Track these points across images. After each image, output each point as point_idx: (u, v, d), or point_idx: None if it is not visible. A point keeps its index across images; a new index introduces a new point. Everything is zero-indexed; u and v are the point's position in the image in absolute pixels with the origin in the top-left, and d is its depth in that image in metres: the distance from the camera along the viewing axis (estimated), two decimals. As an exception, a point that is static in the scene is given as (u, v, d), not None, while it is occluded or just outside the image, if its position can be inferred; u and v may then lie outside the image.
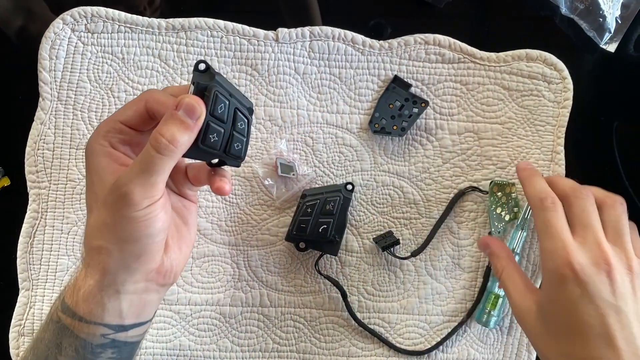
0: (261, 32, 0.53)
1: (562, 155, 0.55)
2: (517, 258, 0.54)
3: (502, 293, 0.54)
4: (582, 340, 0.38)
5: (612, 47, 0.57)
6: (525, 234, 0.54)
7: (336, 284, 0.53)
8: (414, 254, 0.53)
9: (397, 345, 0.55)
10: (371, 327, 0.55)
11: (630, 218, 0.42)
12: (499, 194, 0.54)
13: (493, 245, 0.50)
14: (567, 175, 0.55)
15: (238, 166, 0.38)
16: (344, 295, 0.53)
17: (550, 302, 0.41)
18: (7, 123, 0.53)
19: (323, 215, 0.51)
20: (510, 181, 0.54)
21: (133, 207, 0.32)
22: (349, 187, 0.53)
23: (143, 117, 0.36)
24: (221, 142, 0.35)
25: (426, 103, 0.53)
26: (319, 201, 0.51)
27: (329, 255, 0.53)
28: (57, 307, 0.36)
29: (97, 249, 0.34)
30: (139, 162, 0.33)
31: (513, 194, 0.54)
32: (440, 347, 0.55)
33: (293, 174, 0.52)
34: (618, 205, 0.42)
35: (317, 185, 0.54)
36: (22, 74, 0.52)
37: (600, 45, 0.56)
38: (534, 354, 0.56)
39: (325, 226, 0.51)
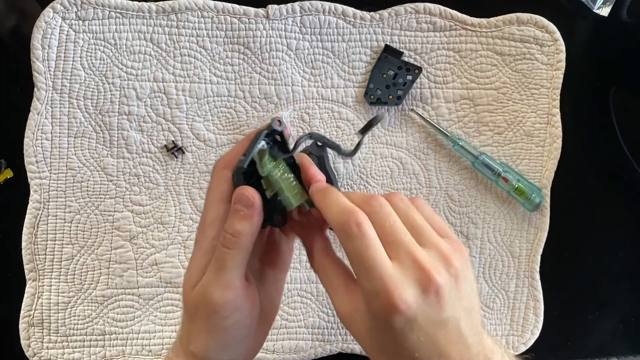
0: (251, 9, 0.53)
1: (558, 117, 0.55)
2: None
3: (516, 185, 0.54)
4: None
5: (605, 12, 0.57)
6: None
7: None
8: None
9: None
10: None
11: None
12: None
13: (305, 235, 0.38)
14: (564, 139, 0.55)
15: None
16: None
17: (378, 334, 0.34)
18: (8, 116, 0.53)
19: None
20: None
21: (216, 316, 0.35)
22: (276, 124, 0.34)
23: None
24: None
25: (419, 69, 0.53)
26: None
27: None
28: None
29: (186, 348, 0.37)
30: (213, 261, 0.35)
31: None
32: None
33: None
34: (398, 199, 0.36)
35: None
36: (20, 66, 0.52)
37: (594, 10, 0.56)
38: (541, 318, 0.57)
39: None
